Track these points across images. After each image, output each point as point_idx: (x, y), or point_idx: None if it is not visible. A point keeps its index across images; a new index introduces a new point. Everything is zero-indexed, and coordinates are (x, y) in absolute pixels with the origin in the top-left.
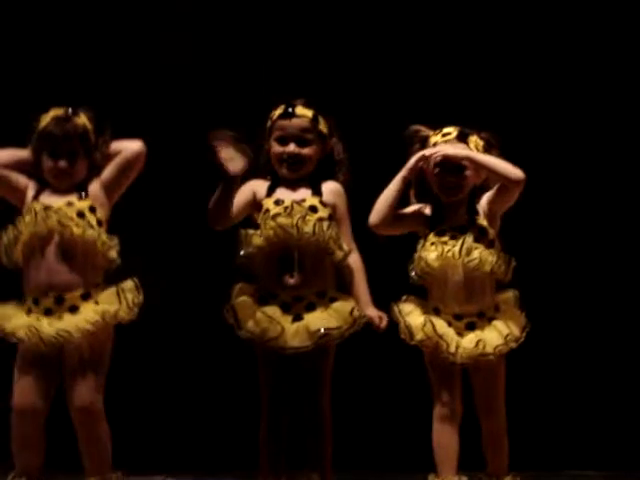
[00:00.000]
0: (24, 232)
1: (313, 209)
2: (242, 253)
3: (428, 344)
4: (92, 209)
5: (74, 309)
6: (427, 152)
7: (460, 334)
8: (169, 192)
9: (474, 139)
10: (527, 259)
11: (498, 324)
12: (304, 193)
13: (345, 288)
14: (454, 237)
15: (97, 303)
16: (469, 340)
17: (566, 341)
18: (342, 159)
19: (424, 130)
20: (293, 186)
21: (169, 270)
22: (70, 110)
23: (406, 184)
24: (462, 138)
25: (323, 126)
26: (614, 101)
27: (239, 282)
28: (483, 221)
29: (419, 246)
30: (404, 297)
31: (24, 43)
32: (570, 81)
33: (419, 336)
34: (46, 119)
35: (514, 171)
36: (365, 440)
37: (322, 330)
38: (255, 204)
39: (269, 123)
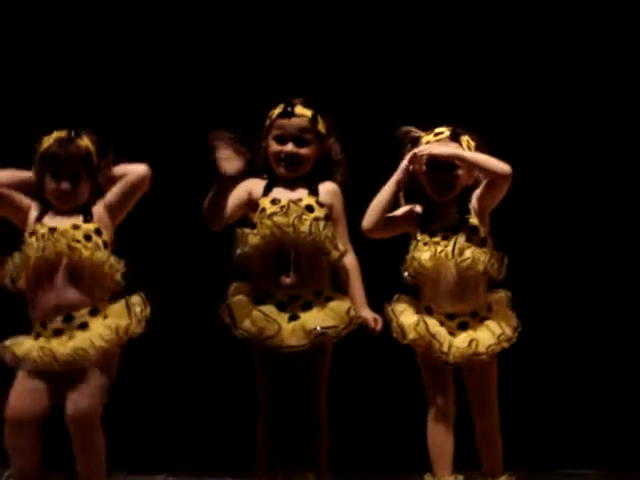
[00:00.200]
0: (32, 256)
1: (309, 209)
2: (238, 252)
3: (421, 343)
4: (98, 231)
5: (84, 326)
6: (417, 151)
7: (452, 334)
8: (165, 191)
9: (466, 139)
10: (518, 259)
11: (491, 324)
12: (301, 193)
13: (341, 288)
14: (446, 237)
15: (106, 317)
16: (462, 340)
17: (559, 339)
18: (339, 159)
19: (415, 131)
20: (290, 185)
21: (165, 270)
22: (73, 132)
23: (400, 187)
24: (454, 138)
25: (322, 126)
26: (605, 97)
27: (235, 281)
28: (474, 220)
29: (411, 246)
30: (396, 296)
31: (25, 65)
32: (560, 77)
33: (412, 335)
34: (49, 141)
35: (501, 166)
36: (361, 440)
37: (318, 328)
38: (251, 203)
39: (268, 122)
